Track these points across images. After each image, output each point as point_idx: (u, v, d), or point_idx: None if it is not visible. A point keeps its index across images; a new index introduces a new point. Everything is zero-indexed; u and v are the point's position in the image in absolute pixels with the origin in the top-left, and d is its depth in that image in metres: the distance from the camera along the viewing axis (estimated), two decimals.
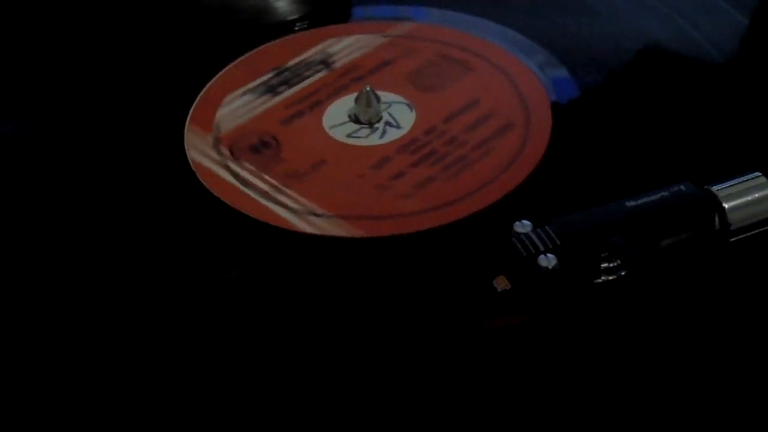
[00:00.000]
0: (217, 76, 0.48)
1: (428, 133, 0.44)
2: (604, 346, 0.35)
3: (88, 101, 0.47)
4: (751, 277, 0.37)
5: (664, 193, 0.37)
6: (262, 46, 0.50)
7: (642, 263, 0.35)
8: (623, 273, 0.35)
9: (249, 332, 0.36)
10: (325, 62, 0.48)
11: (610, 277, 0.35)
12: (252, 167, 0.43)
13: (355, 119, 0.45)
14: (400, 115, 0.45)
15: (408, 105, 0.46)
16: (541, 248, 0.35)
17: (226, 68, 0.48)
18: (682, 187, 0.37)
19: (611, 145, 0.43)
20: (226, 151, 0.44)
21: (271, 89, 0.47)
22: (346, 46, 0.49)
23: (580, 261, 0.35)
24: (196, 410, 0.34)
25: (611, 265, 0.35)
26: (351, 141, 0.44)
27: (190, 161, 0.43)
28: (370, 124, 0.45)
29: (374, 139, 0.44)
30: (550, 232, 0.36)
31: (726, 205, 0.37)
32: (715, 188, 0.37)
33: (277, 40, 0.50)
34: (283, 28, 0.51)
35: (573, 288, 0.35)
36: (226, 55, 0.49)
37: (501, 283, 0.35)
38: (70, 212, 0.42)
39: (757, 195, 0.37)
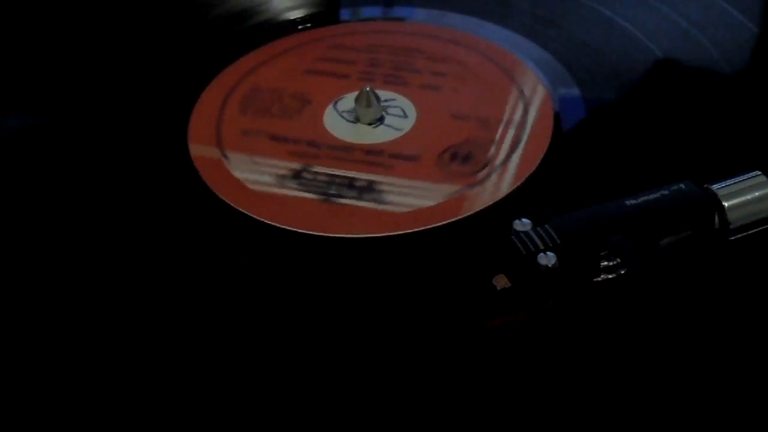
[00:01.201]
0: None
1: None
2: (604, 345, 0.35)
3: (87, 101, 0.47)
4: (751, 276, 0.37)
5: (664, 192, 0.37)
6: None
7: (642, 262, 0.35)
8: (623, 272, 0.35)
9: (249, 332, 0.36)
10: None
11: (610, 276, 0.35)
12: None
13: (354, 120, 0.45)
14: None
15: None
16: (541, 247, 0.35)
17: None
18: (682, 185, 0.37)
19: (611, 144, 0.43)
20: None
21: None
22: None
23: (579, 259, 0.35)
24: (196, 410, 0.34)
25: (611, 263, 0.35)
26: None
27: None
28: (369, 125, 0.45)
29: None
30: (550, 230, 0.36)
31: (726, 204, 0.37)
32: (714, 187, 0.37)
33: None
34: (284, 28, 0.51)
35: (572, 286, 0.35)
36: (226, 56, 0.49)
37: (500, 282, 0.35)
38: (70, 212, 0.42)
39: (756, 194, 0.37)
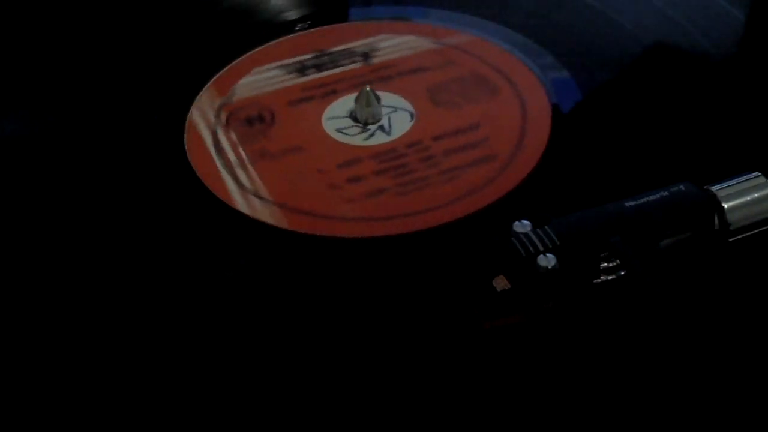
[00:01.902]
0: (259, 48, 0.49)
1: (410, 146, 0.44)
2: (604, 346, 0.35)
3: (87, 101, 0.47)
4: (750, 277, 0.37)
5: (664, 193, 0.37)
6: (317, 29, 0.50)
7: (641, 263, 0.35)
8: (623, 273, 0.35)
9: (248, 331, 0.36)
10: (366, 55, 0.48)
11: (610, 277, 0.35)
12: (234, 138, 0.44)
13: (353, 117, 0.45)
14: (398, 123, 0.45)
15: (411, 114, 0.45)
16: (541, 248, 0.35)
17: (271, 42, 0.49)
18: (682, 187, 0.37)
19: (611, 145, 0.43)
20: (223, 117, 0.45)
21: (301, 70, 0.47)
22: (395, 43, 0.49)
23: (579, 261, 0.35)
24: (195, 410, 0.34)
25: (610, 265, 0.35)
26: (337, 136, 0.44)
27: (187, 118, 0.44)
28: (365, 125, 0.45)
29: (358, 140, 0.44)
30: (550, 232, 0.36)
31: (725, 205, 0.37)
32: (714, 188, 0.37)
33: (333, 26, 0.51)
34: (284, 28, 0.51)
35: (572, 288, 0.35)
36: (225, 56, 0.49)
37: (500, 283, 0.35)
38: (70, 212, 0.42)
39: (756, 195, 0.37)
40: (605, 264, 0.35)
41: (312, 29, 0.51)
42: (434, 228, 0.40)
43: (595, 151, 0.43)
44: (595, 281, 0.35)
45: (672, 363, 0.34)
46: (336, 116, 0.45)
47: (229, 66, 0.48)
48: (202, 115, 0.45)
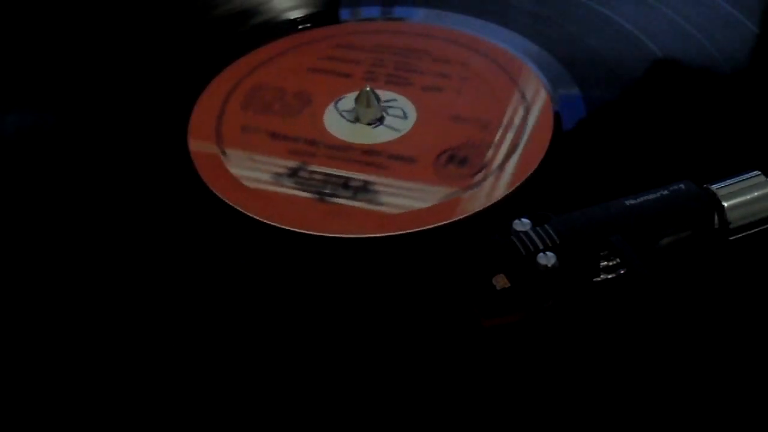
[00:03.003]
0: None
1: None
2: (604, 345, 0.35)
3: (88, 101, 0.47)
4: (750, 275, 0.37)
5: (664, 192, 0.37)
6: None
7: (641, 262, 0.35)
8: (622, 272, 0.35)
9: (249, 331, 0.36)
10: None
11: (610, 276, 0.35)
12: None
13: (354, 120, 0.45)
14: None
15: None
16: (541, 247, 0.35)
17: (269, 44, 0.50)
18: (682, 185, 0.37)
19: (611, 144, 0.43)
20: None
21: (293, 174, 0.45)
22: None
23: (579, 259, 0.35)
24: (196, 410, 0.34)
25: (610, 263, 0.35)
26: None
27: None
28: (369, 123, 0.45)
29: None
30: (550, 230, 0.36)
31: (725, 204, 0.37)
32: (714, 187, 0.37)
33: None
34: (285, 27, 0.51)
35: (572, 286, 0.35)
36: (225, 55, 0.49)
37: (500, 282, 0.35)
38: (70, 212, 0.42)
39: (756, 194, 0.37)
40: (605, 262, 0.35)
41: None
42: (434, 227, 0.39)
43: (595, 149, 0.43)
44: (594, 280, 0.35)
45: (672, 362, 0.34)
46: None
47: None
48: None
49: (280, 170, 0.43)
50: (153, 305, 0.37)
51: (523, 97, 0.46)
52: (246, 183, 0.42)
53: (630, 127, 0.44)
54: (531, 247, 0.35)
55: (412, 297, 0.37)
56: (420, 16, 0.52)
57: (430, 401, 0.33)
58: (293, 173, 0.43)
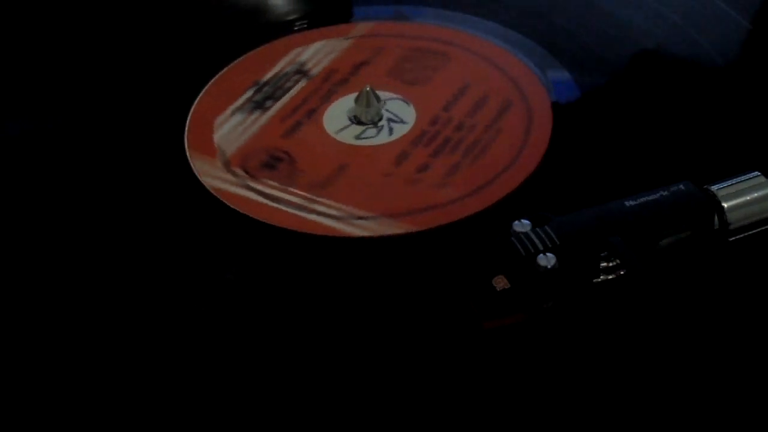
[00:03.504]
0: (199, 97, 0.47)
1: (434, 123, 0.44)
2: (604, 346, 0.35)
3: (87, 102, 0.47)
4: (750, 276, 0.37)
5: (664, 193, 0.37)
6: (232, 64, 0.49)
7: (641, 263, 0.35)
8: (622, 272, 0.35)
9: (249, 331, 0.36)
10: (301, 71, 0.48)
11: (609, 277, 0.35)
12: (275, 183, 0.42)
13: (356, 121, 0.45)
14: (400, 111, 0.45)
15: (403, 100, 0.46)
16: (541, 248, 0.35)
17: (206, 88, 0.48)
18: (682, 186, 0.37)
19: (611, 145, 0.43)
20: (240, 172, 0.43)
21: (258, 105, 0.47)
22: (314, 53, 0.49)
23: (579, 260, 0.35)
24: (194, 409, 0.34)
25: (610, 264, 0.35)
26: (362, 143, 0.44)
27: (208, 189, 0.42)
28: (374, 124, 0.45)
29: (384, 137, 0.44)
30: (550, 231, 0.36)
31: (725, 205, 0.37)
32: (714, 188, 0.37)
33: (243, 57, 0.49)
34: (283, 27, 0.51)
35: (572, 287, 0.35)
36: (225, 55, 0.49)
37: (500, 283, 0.35)
38: (71, 212, 0.42)
39: (756, 194, 0.37)
40: (605, 263, 0.35)
41: (227, 67, 0.49)
42: (434, 228, 0.40)
43: (595, 150, 0.43)
44: (594, 281, 0.35)
45: (672, 363, 0.34)
46: (339, 128, 0.45)
47: (186, 125, 0.46)
48: (220, 179, 0.43)
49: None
50: (153, 305, 0.37)
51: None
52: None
53: (630, 128, 0.44)
54: (531, 248, 0.35)
55: (412, 297, 0.37)
56: (414, 14, 0.52)
57: (431, 402, 0.33)
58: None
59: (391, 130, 0.45)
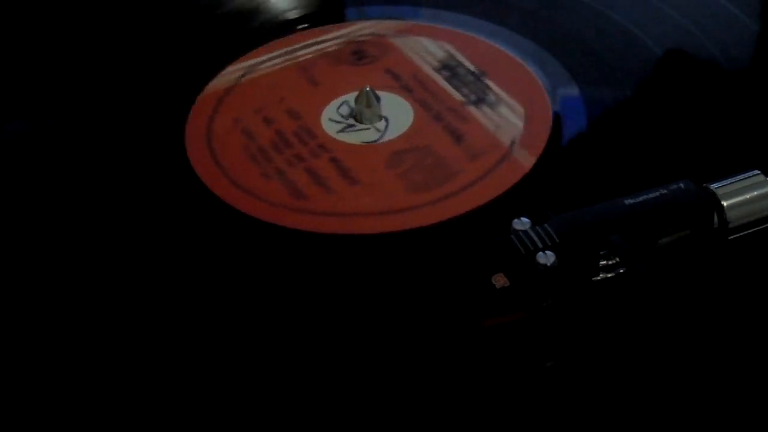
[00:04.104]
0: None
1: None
2: (603, 344, 0.35)
3: (87, 101, 0.47)
4: (749, 275, 0.37)
5: (663, 191, 0.37)
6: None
7: (640, 261, 0.35)
8: (622, 271, 0.35)
9: (248, 332, 0.36)
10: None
11: (609, 275, 0.35)
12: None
13: (356, 120, 0.45)
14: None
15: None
16: (540, 246, 0.35)
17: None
18: (681, 185, 0.37)
19: (611, 144, 0.43)
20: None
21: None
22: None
23: (578, 258, 0.35)
24: (193, 409, 0.34)
25: (610, 262, 0.35)
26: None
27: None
28: (370, 123, 0.45)
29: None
30: (549, 229, 0.36)
31: (725, 203, 0.37)
32: (713, 186, 0.37)
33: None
34: (283, 27, 0.51)
35: (571, 286, 0.35)
36: (225, 54, 0.49)
37: (499, 281, 0.35)
38: (70, 212, 0.42)
39: (755, 193, 0.37)
40: (604, 262, 0.35)
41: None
42: (433, 225, 0.40)
43: (594, 148, 0.43)
44: (594, 279, 0.35)
45: (671, 361, 0.34)
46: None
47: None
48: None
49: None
50: (152, 304, 0.37)
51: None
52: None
53: (629, 127, 0.44)
54: (530, 246, 0.35)
55: (411, 295, 0.37)
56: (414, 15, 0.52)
57: (430, 400, 0.33)
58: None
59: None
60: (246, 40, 0.50)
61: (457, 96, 0.46)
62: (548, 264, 0.35)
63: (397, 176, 0.42)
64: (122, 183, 0.43)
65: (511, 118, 0.45)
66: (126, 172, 0.43)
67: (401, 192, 0.41)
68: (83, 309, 0.37)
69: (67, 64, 0.50)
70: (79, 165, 0.44)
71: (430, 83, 0.47)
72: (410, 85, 0.47)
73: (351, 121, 0.45)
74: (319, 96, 0.47)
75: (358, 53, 0.49)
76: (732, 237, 0.37)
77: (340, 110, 0.46)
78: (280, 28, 0.51)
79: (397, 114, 0.45)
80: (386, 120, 0.45)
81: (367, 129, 0.45)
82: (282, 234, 0.40)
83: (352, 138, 0.44)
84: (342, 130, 0.45)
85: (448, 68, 0.48)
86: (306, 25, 0.51)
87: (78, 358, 0.35)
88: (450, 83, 0.47)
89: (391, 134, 0.44)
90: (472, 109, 0.45)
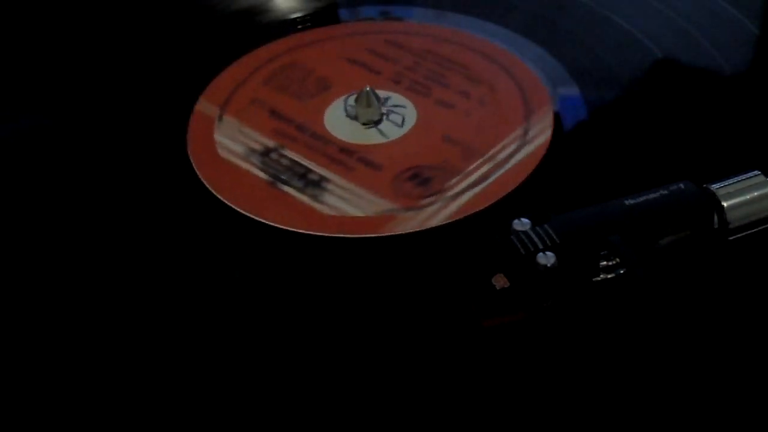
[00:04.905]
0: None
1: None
2: (603, 345, 0.35)
3: (87, 101, 0.47)
4: (749, 275, 0.37)
5: (663, 192, 0.37)
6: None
7: (641, 262, 0.35)
8: (622, 271, 0.35)
9: (249, 332, 0.36)
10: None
11: (609, 276, 0.35)
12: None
13: (356, 119, 0.45)
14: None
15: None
16: (540, 246, 0.35)
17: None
18: (681, 185, 0.37)
19: (611, 144, 0.43)
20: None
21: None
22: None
23: (578, 259, 0.35)
24: (192, 409, 0.34)
25: (610, 263, 0.35)
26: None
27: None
28: (365, 124, 0.45)
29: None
30: (549, 230, 0.36)
31: (725, 204, 0.37)
32: (714, 187, 0.37)
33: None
34: (283, 27, 0.51)
35: (571, 286, 0.35)
36: (225, 55, 0.49)
37: (500, 281, 0.35)
38: (70, 212, 0.42)
39: (756, 194, 0.37)
40: (604, 262, 0.35)
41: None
42: (434, 227, 0.39)
43: (595, 149, 0.43)
44: (594, 279, 0.35)
45: (671, 362, 0.34)
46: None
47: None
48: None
49: (256, 147, 0.44)
50: (151, 303, 0.37)
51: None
52: (220, 151, 0.43)
53: (630, 127, 0.44)
54: (530, 246, 0.35)
55: (411, 296, 0.37)
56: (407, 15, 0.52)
57: (430, 401, 0.33)
58: (265, 153, 0.44)
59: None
60: (246, 39, 0.50)
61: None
62: (548, 265, 0.35)
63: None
64: (122, 183, 0.43)
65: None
66: (126, 172, 0.43)
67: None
68: (83, 309, 0.37)
69: (67, 65, 0.50)
70: (79, 165, 0.44)
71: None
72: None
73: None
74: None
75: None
76: (732, 238, 0.37)
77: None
78: (282, 27, 0.51)
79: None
80: (380, 124, 0.45)
81: (372, 128, 0.45)
82: (282, 234, 0.40)
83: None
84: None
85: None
86: (308, 24, 0.51)
87: (79, 358, 0.35)
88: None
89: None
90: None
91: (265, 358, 0.35)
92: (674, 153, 0.42)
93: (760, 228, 0.37)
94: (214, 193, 0.42)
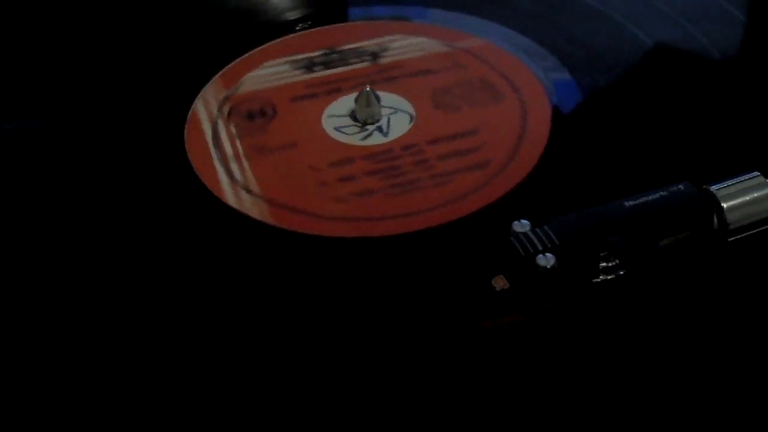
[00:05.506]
0: (271, 43, 0.49)
1: (406, 149, 0.44)
2: (603, 346, 0.35)
3: (87, 101, 0.47)
4: (749, 276, 0.37)
5: (663, 193, 0.37)
6: (330, 26, 0.51)
7: (640, 263, 0.35)
8: (621, 272, 0.35)
9: (248, 332, 0.36)
10: (375, 54, 0.48)
11: (609, 277, 0.35)
12: (234, 131, 0.44)
13: (353, 117, 0.45)
14: (397, 125, 0.45)
15: (411, 116, 0.45)
16: (540, 248, 0.35)
17: (284, 37, 0.50)
18: (681, 186, 0.37)
19: (610, 145, 0.43)
20: (226, 109, 0.45)
21: (309, 66, 0.47)
22: (406, 44, 0.49)
23: (578, 260, 0.35)
24: (192, 410, 0.34)
25: (610, 264, 0.35)
26: (334, 134, 0.44)
27: (191, 109, 0.44)
28: (364, 124, 0.45)
29: (355, 139, 0.44)
30: (549, 231, 0.36)
31: (724, 205, 0.37)
32: (713, 188, 0.37)
33: (345, 24, 0.51)
34: (284, 27, 0.51)
35: (571, 287, 0.35)
36: (226, 54, 0.49)
37: (499, 283, 0.35)
38: (70, 211, 0.42)
39: (755, 195, 0.37)
40: (604, 263, 0.35)
41: (325, 27, 0.51)
42: (434, 228, 0.40)
43: (594, 150, 0.43)
44: (594, 281, 0.35)
45: (671, 363, 0.34)
46: (336, 114, 0.45)
47: (239, 59, 0.49)
48: (206, 107, 0.46)
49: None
50: (149, 302, 0.37)
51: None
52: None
53: (629, 128, 0.44)
54: (530, 248, 0.35)
55: (412, 297, 0.37)
56: (414, 15, 0.52)
57: (430, 402, 0.33)
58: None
59: (368, 136, 0.44)
60: (256, 35, 0.51)
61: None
62: (548, 266, 0.35)
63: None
64: (122, 182, 0.43)
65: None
66: (126, 171, 0.43)
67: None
68: (84, 309, 0.37)
69: (67, 65, 0.50)
70: (78, 164, 0.44)
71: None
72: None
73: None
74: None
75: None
76: (732, 239, 0.37)
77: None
78: (281, 27, 0.51)
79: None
80: (385, 121, 0.45)
81: (368, 130, 0.45)
82: (281, 234, 0.40)
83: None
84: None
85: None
86: (308, 23, 0.51)
87: (79, 358, 0.35)
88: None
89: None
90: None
91: (266, 358, 0.35)
92: (674, 154, 0.42)
93: (759, 229, 0.37)
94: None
